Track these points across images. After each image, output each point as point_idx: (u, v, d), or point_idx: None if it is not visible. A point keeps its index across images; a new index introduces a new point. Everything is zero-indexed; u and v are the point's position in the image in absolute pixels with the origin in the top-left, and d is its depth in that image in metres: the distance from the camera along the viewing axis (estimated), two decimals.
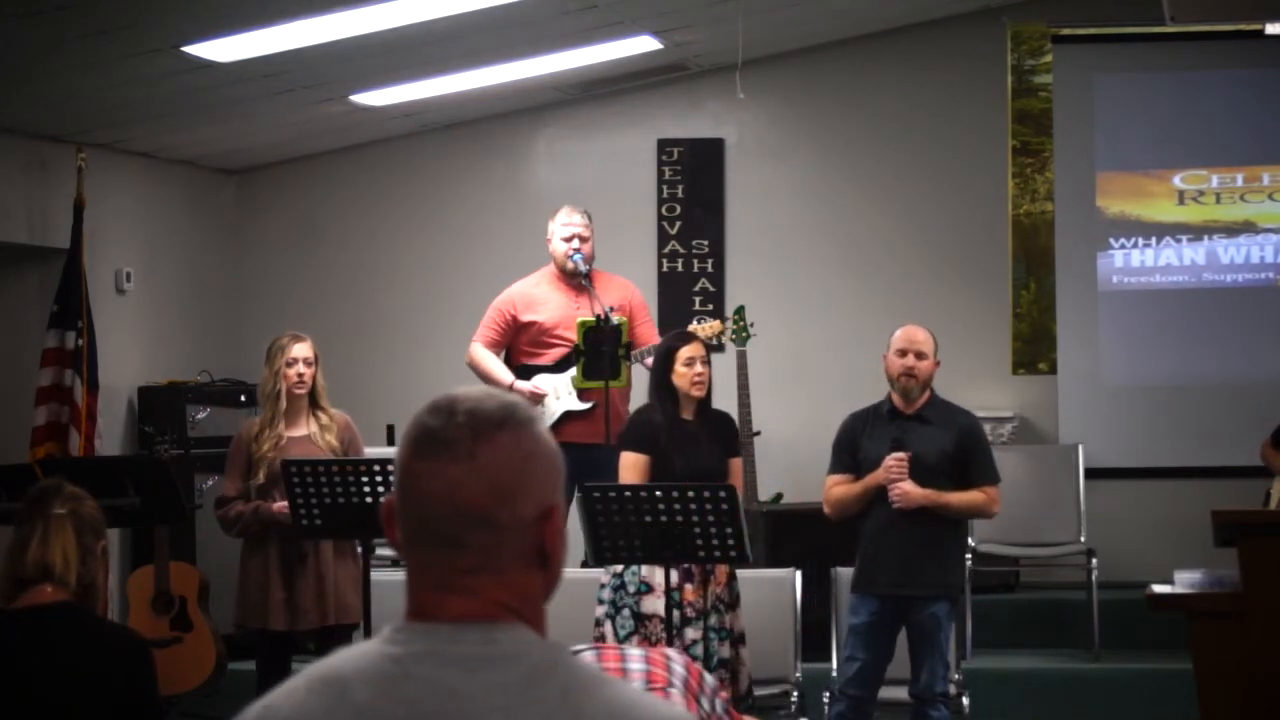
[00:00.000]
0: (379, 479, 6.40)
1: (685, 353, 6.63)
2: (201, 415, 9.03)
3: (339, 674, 1.81)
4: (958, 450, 6.58)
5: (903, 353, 6.60)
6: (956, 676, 6.96)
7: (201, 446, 8.92)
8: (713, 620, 6.42)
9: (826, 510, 6.69)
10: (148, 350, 9.42)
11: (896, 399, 6.64)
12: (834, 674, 7.09)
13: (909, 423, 6.60)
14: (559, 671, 1.80)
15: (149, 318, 9.49)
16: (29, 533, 3.74)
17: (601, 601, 6.45)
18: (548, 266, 8.05)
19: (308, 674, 1.84)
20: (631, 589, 6.40)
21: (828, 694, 6.97)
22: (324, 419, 6.84)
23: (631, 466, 6.54)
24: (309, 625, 6.76)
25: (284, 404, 6.78)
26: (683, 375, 6.60)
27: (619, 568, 6.39)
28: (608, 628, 6.38)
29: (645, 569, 6.35)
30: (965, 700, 6.94)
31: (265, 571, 6.77)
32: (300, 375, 6.78)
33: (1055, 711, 8.11)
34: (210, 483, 8.90)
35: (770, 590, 7.07)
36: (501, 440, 1.83)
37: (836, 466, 6.66)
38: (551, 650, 1.82)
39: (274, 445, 6.74)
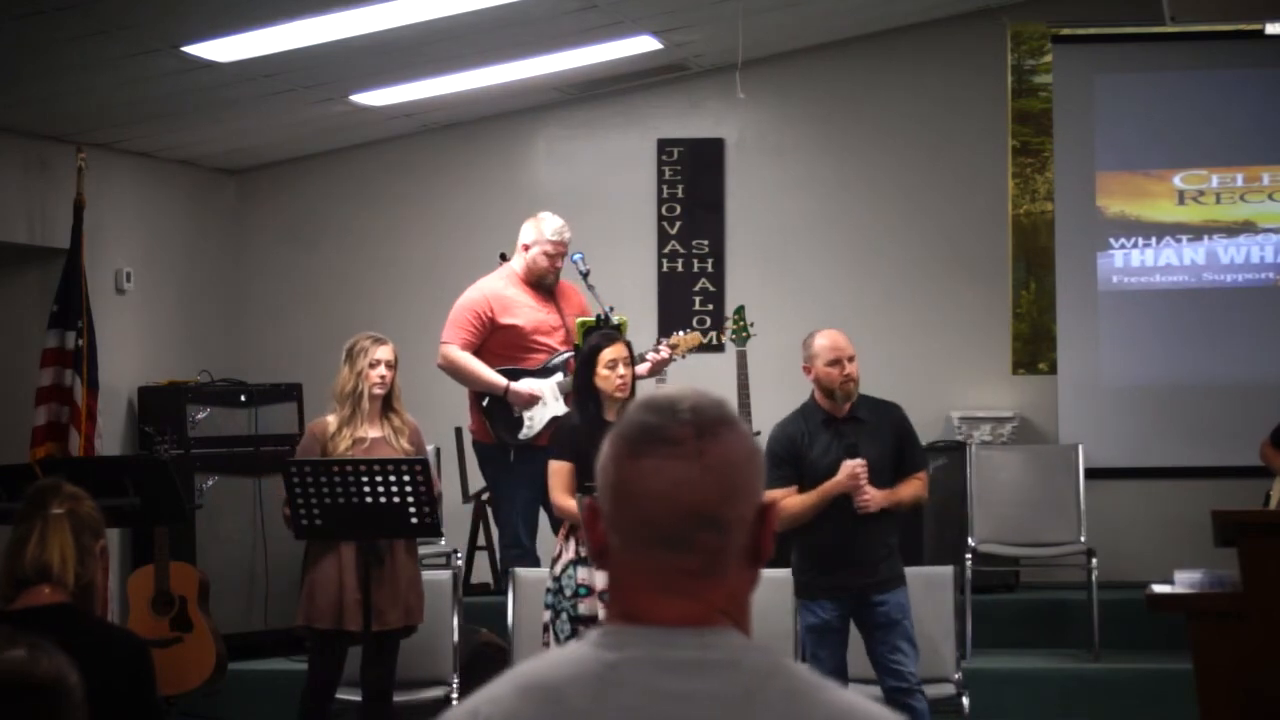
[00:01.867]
0: (379, 479, 6.40)
1: (607, 355, 6.56)
2: (201, 415, 9.02)
3: (550, 680, 1.78)
4: (895, 444, 6.60)
5: (835, 362, 6.58)
6: (957, 676, 6.97)
7: (201, 446, 8.91)
8: None
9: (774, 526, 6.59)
10: (148, 350, 9.42)
11: (827, 404, 6.58)
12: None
13: (847, 426, 6.55)
14: (781, 676, 1.77)
15: (149, 318, 9.49)
16: (26, 533, 3.73)
17: (546, 605, 6.46)
18: (506, 268, 7.99)
19: (513, 680, 1.80)
20: (569, 592, 6.40)
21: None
22: (397, 422, 6.82)
23: (556, 474, 6.50)
24: (387, 626, 6.65)
25: (366, 405, 6.78)
26: (605, 378, 6.52)
27: (558, 570, 6.41)
28: (551, 632, 6.42)
29: (584, 572, 6.35)
30: (965, 700, 6.94)
31: (338, 573, 6.66)
32: (382, 377, 6.77)
33: (1055, 711, 8.11)
34: (210, 483, 8.89)
35: (770, 590, 7.04)
36: (727, 438, 1.80)
37: (780, 481, 6.44)
38: (768, 654, 1.79)
39: (351, 444, 6.74)
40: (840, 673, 6.48)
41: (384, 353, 6.82)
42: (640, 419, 1.81)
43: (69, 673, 2.01)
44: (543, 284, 7.87)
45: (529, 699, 1.76)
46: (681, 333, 8.06)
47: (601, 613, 6.31)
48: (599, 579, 6.25)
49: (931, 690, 6.68)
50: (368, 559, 6.56)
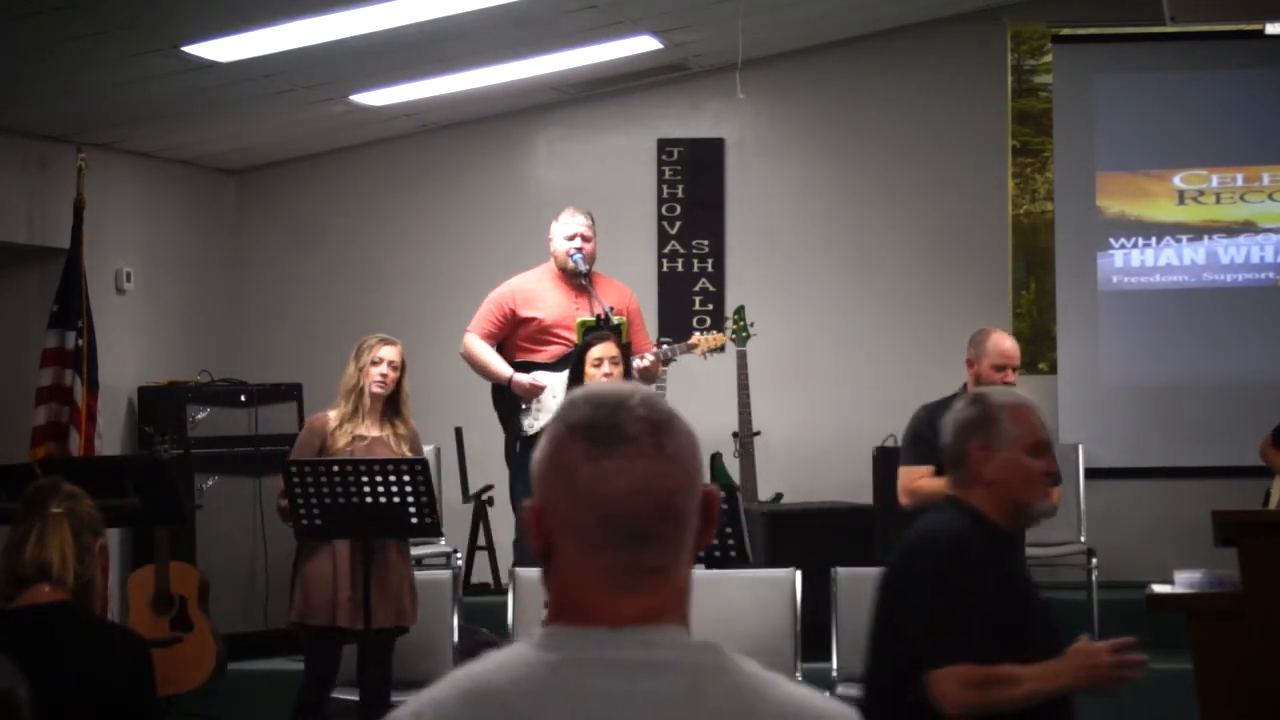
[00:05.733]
0: (379, 479, 6.40)
1: (594, 353, 6.52)
2: (201, 415, 9.03)
3: (493, 684, 1.76)
4: None
5: (1001, 368, 6.53)
6: None
7: (201, 446, 8.91)
8: None
9: (907, 501, 6.42)
10: (148, 350, 9.42)
11: None
12: (834, 674, 7.10)
13: None
14: (727, 673, 1.76)
15: (149, 318, 9.49)
16: (26, 532, 3.74)
17: None
18: (547, 264, 8.03)
19: (456, 684, 1.79)
20: None
21: (829, 694, 6.96)
22: (401, 428, 6.82)
23: None
24: (379, 625, 6.62)
25: (367, 401, 6.79)
26: (590, 376, 6.50)
27: None
28: None
29: None
30: None
31: (332, 569, 6.66)
32: (383, 376, 6.78)
33: None
34: (210, 483, 8.89)
35: (770, 590, 7.06)
36: (678, 429, 1.80)
37: (917, 458, 6.43)
38: (712, 652, 1.78)
39: (350, 441, 6.74)
40: None
41: (387, 352, 6.85)
42: (589, 417, 1.77)
43: (20, 685, 2.00)
44: (574, 277, 7.86)
45: (472, 704, 1.76)
46: (700, 332, 8.04)
47: None
48: None
49: None
50: (365, 556, 6.56)
